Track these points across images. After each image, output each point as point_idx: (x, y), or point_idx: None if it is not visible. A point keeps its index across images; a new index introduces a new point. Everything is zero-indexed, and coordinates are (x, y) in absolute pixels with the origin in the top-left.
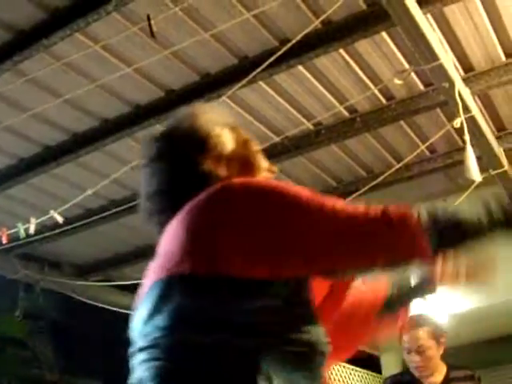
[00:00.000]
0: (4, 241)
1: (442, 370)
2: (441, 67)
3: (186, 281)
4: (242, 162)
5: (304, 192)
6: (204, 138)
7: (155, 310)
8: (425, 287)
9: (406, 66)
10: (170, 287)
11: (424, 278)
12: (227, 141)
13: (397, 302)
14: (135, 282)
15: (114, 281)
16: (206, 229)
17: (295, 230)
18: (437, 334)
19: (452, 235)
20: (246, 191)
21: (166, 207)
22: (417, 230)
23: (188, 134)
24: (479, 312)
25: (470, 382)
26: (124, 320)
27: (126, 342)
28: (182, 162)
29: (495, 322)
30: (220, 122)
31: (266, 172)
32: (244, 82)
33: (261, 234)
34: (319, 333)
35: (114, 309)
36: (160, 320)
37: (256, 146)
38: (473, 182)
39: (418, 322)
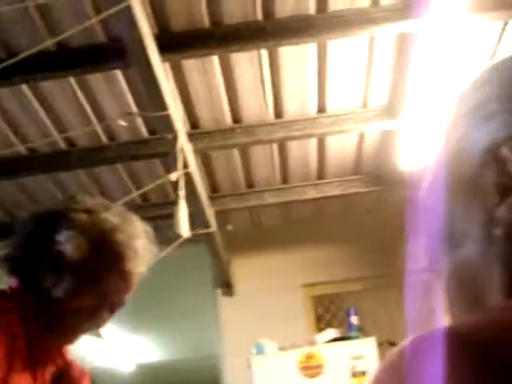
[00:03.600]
0: None
1: None
2: (168, 118)
3: None
4: None
5: None
6: None
7: None
8: None
9: (134, 109)
10: None
11: None
12: None
13: None
14: None
15: None
16: None
17: None
18: None
19: None
20: None
21: None
22: None
23: None
24: (167, 364)
25: None
26: None
27: None
28: None
29: (178, 376)
30: None
31: None
32: None
33: None
34: None
35: None
36: None
37: None
38: (180, 236)
39: None
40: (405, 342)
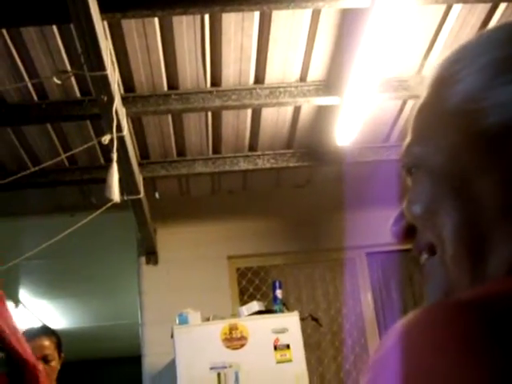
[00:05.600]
0: None
1: None
2: (104, 79)
3: None
4: None
5: None
6: None
7: None
8: None
9: (69, 67)
10: None
11: None
12: None
13: None
14: None
15: None
16: None
17: None
18: (60, 347)
19: None
20: None
21: None
22: None
23: None
24: (87, 331)
25: None
26: None
27: None
28: None
29: (98, 343)
30: None
31: None
32: None
33: None
34: None
35: None
36: None
37: None
38: (105, 202)
39: (43, 332)
40: (418, 315)
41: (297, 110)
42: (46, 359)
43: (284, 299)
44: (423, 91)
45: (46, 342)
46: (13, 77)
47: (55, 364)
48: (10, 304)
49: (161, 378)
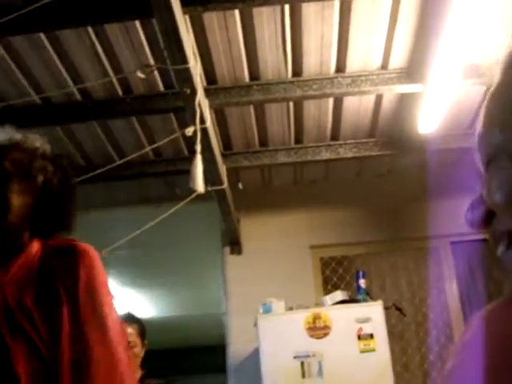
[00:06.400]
0: None
1: (137, 374)
2: (187, 72)
3: None
4: None
5: None
6: None
7: None
8: None
9: (152, 61)
10: None
11: None
12: None
13: None
14: None
15: None
16: None
17: None
18: (143, 335)
19: None
20: None
21: None
22: None
23: None
24: (172, 320)
25: None
26: None
27: None
28: None
29: (184, 333)
30: None
31: None
32: None
33: None
34: None
35: None
36: None
37: None
38: (190, 193)
39: (126, 319)
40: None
41: (379, 98)
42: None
43: (368, 289)
44: (495, 77)
45: (129, 330)
46: (98, 72)
47: (138, 351)
48: None
49: (245, 367)
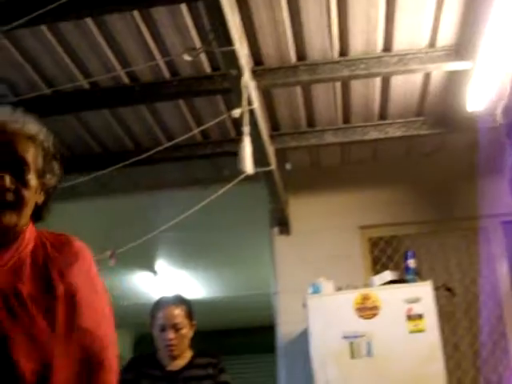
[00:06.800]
0: None
1: (187, 355)
2: (233, 53)
3: None
4: None
5: None
6: None
7: None
8: None
9: (198, 44)
10: None
11: None
12: None
13: None
14: None
15: None
16: None
17: None
18: (191, 316)
19: None
20: None
21: None
22: None
23: None
24: (220, 301)
25: (211, 369)
26: None
27: None
28: None
29: (232, 313)
30: None
31: None
32: (22, 21)
33: None
34: None
35: None
36: None
37: None
38: (238, 175)
39: (174, 300)
40: None
41: (427, 76)
42: (176, 327)
43: (417, 269)
44: None
45: (176, 311)
46: (145, 56)
47: (186, 332)
48: (147, 274)
49: (294, 347)
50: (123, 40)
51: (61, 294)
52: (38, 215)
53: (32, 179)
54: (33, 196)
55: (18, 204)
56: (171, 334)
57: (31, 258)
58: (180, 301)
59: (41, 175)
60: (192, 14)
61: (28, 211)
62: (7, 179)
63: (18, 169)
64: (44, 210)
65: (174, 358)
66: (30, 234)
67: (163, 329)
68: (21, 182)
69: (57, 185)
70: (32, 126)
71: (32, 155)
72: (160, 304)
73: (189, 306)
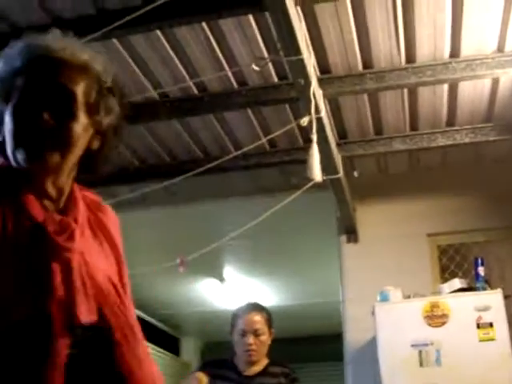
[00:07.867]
0: None
1: (263, 362)
2: (300, 63)
3: None
4: None
5: None
6: None
7: None
8: None
9: (265, 54)
10: None
11: None
12: None
13: None
14: None
15: None
16: None
17: None
18: (270, 323)
19: None
20: None
21: None
22: None
23: None
24: (287, 309)
25: (283, 378)
26: None
27: None
28: None
29: (299, 321)
30: None
31: None
32: (96, 35)
33: None
34: None
35: None
36: None
37: None
38: (305, 183)
39: (255, 307)
40: None
41: (495, 81)
42: (256, 333)
43: (486, 276)
44: None
45: (257, 317)
46: (213, 66)
47: (265, 338)
48: (214, 281)
49: (362, 355)
50: (192, 51)
51: (123, 266)
52: (88, 165)
53: (81, 115)
54: (82, 134)
55: (62, 142)
56: (251, 339)
57: (89, 225)
58: (260, 308)
59: (93, 112)
60: (259, 25)
61: (76, 151)
62: (45, 115)
63: (65, 103)
64: (99, 158)
65: (251, 363)
66: (78, 191)
67: (244, 334)
68: (67, 116)
69: (116, 126)
70: (85, 53)
71: (82, 87)
72: (241, 311)
73: (268, 314)
